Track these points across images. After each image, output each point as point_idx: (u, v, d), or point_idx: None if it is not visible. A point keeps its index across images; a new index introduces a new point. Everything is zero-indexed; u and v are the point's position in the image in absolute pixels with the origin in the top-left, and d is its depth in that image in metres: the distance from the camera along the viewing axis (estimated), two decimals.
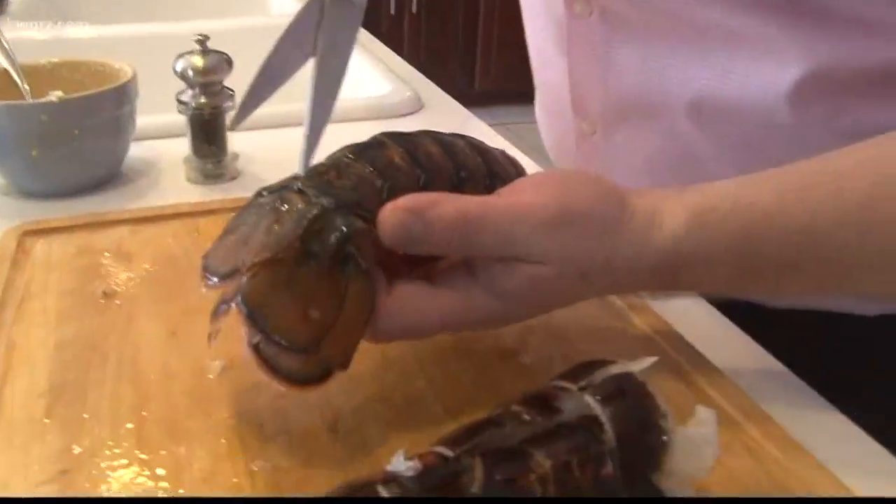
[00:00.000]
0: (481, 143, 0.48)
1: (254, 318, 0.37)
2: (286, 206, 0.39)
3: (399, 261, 0.41)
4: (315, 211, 0.38)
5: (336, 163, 0.42)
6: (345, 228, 0.38)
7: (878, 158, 0.41)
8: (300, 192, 0.40)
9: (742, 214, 0.41)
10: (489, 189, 0.46)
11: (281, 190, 0.40)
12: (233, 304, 0.37)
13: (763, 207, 0.41)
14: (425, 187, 0.42)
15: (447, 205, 0.38)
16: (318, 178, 0.40)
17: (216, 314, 0.39)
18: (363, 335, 0.39)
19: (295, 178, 0.41)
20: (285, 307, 0.37)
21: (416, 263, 0.42)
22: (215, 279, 0.39)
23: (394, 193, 0.40)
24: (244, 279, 0.37)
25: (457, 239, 0.38)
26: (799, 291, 0.43)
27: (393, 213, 0.38)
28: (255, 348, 0.37)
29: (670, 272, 0.41)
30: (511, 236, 0.39)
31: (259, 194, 0.41)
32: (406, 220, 0.38)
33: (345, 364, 0.39)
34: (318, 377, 0.38)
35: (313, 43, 0.41)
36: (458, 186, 0.44)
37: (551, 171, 0.43)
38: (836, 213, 0.40)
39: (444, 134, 0.47)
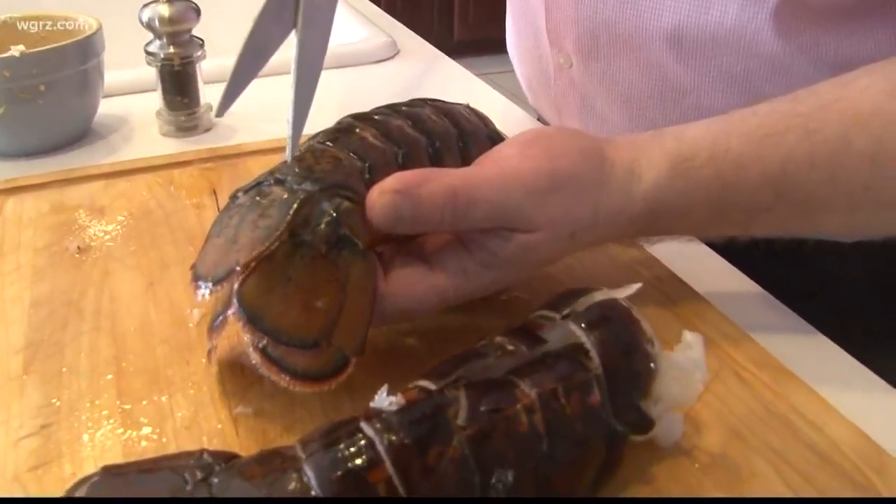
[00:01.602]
0: (444, 102, 0.47)
1: (254, 321, 0.34)
2: (268, 199, 0.37)
3: (386, 240, 0.40)
4: (300, 197, 0.36)
5: (310, 150, 0.40)
6: (334, 211, 0.37)
7: (846, 98, 0.41)
8: (279, 182, 0.38)
9: (719, 162, 0.41)
10: (463, 151, 0.45)
11: (258, 185, 0.38)
12: (230, 313, 0.35)
13: (739, 154, 0.41)
14: (404, 163, 0.41)
15: (435, 182, 0.37)
16: (296, 165, 0.38)
17: (213, 328, 0.37)
18: (371, 317, 0.37)
19: (270, 172, 0.39)
20: (286, 303, 0.35)
21: (403, 241, 0.41)
22: (209, 285, 0.35)
23: (375, 172, 0.39)
24: (235, 284, 0.35)
25: (448, 215, 0.37)
26: (768, 232, 0.44)
27: (381, 196, 0.37)
28: (262, 352, 0.34)
29: (649, 221, 0.42)
30: (503, 207, 0.38)
31: (234, 196, 0.39)
32: (395, 202, 0.37)
33: (360, 350, 0.37)
34: (334, 370, 0.36)
35: (293, 15, 0.38)
36: (433, 157, 0.43)
37: (532, 132, 0.42)
38: (809, 157, 0.40)
39: (405, 104, 0.46)
